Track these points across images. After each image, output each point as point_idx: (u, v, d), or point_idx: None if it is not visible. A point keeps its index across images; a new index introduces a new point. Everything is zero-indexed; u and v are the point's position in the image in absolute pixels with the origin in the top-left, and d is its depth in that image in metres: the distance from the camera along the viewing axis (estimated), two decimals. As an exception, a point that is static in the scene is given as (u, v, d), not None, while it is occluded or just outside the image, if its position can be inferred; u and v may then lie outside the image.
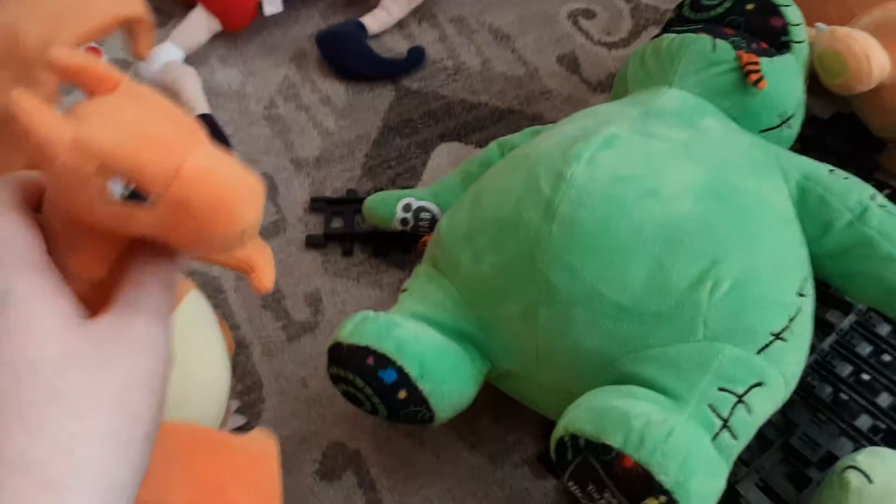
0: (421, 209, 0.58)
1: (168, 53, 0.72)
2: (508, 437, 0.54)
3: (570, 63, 0.77)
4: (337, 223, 0.64)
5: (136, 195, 0.27)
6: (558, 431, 0.39)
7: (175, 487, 0.35)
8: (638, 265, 0.41)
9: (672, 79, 0.54)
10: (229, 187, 0.28)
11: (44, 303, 0.26)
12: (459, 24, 0.82)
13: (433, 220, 0.58)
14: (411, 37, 0.81)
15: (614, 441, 0.36)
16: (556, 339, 0.43)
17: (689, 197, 0.43)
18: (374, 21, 0.80)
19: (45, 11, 0.37)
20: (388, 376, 0.43)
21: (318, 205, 0.65)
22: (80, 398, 0.25)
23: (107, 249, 0.29)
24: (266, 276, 0.44)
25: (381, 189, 0.64)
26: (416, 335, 0.44)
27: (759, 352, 0.41)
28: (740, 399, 0.39)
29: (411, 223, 0.58)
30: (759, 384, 0.40)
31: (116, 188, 0.27)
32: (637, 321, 0.41)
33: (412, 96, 0.76)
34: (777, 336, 0.41)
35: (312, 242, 0.63)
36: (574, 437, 0.38)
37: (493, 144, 0.61)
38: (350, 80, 0.77)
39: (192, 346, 0.39)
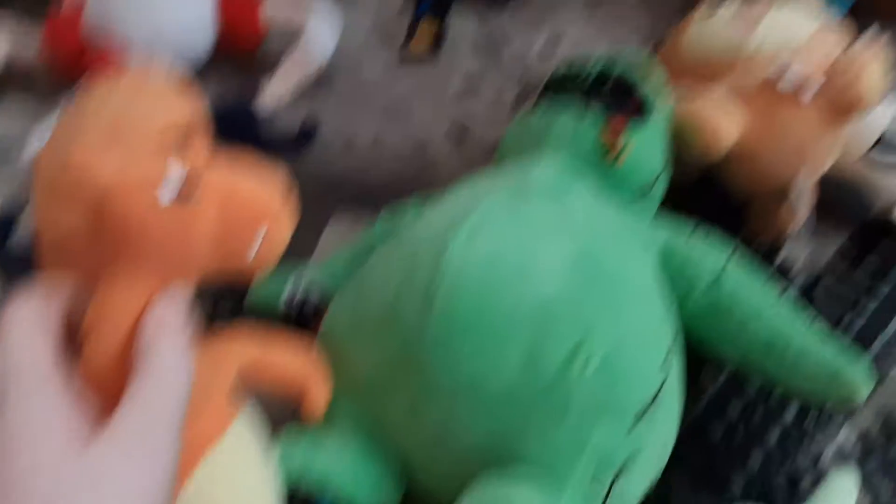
0: (308, 291, 0.58)
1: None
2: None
3: (461, 133, 0.80)
4: (222, 315, 0.62)
5: (187, 194, 0.32)
6: None
7: None
8: (513, 350, 0.42)
9: (543, 150, 0.56)
10: (251, 169, 0.34)
11: (43, 427, 0.27)
12: (352, 99, 0.84)
13: (322, 302, 0.58)
14: (304, 112, 0.82)
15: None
16: (442, 432, 0.43)
17: (558, 275, 0.45)
18: (265, 98, 0.81)
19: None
20: None
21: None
22: None
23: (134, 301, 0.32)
24: (319, 399, 0.45)
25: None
26: (338, 457, 0.44)
27: (632, 426, 0.42)
28: (616, 476, 0.40)
29: (298, 307, 0.58)
30: (632, 459, 0.41)
31: (169, 189, 0.31)
32: (517, 406, 0.42)
33: (304, 172, 0.76)
34: (647, 407, 0.42)
35: (199, 330, 0.61)
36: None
37: (380, 220, 0.61)
38: (240, 159, 0.77)
39: (232, 486, 0.38)
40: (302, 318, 0.58)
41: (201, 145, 0.47)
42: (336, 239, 0.70)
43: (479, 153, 0.78)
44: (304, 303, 0.57)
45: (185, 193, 0.32)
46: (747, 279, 0.49)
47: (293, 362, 0.46)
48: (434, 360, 0.43)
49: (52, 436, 0.26)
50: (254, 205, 0.33)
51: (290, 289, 0.57)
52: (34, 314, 0.30)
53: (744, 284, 0.48)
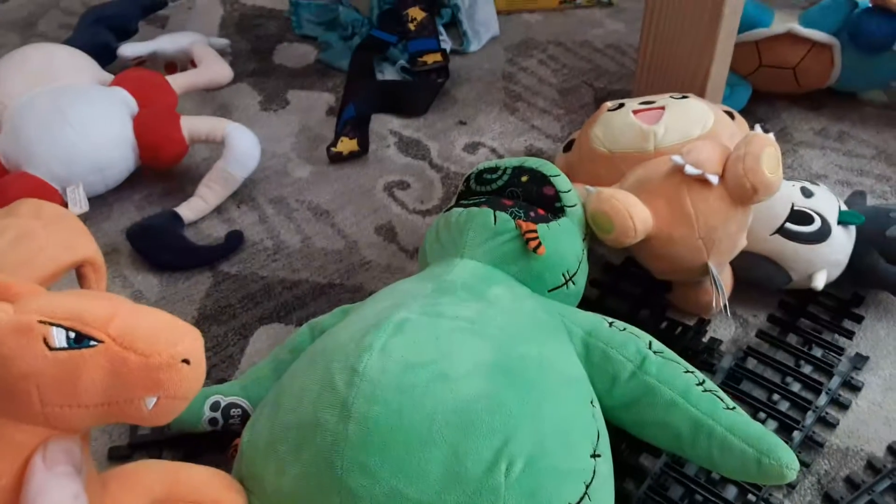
0: (231, 406, 0.56)
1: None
2: None
3: (388, 233, 0.80)
4: (144, 430, 0.59)
5: (79, 343, 0.30)
6: None
7: None
8: (433, 456, 0.41)
9: (463, 250, 0.57)
10: (163, 318, 0.33)
11: None
12: (279, 205, 0.84)
13: (245, 416, 0.56)
14: (230, 221, 0.82)
15: None
16: None
17: (478, 376, 0.44)
18: (189, 210, 0.80)
19: None
20: None
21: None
22: None
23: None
24: None
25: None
26: None
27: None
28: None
29: (221, 423, 0.55)
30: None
31: (60, 336, 0.30)
32: None
33: (230, 281, 0.75)
34: (580, 501, 0.41)
35: (116, 455, 0.58)
36: None
37: (304, 327, 0.60)
38: (164, 272, 0.75)
39: None
40: (225, 432, 0.55)
41: (99, 284, 0.46)
42: (263, 347, 0.68)
43: (411, 249, 0.78)
44: (226, 419, 0.55)
45: (77, 340, 0.30)
46: (670, 366, 0.49)
47: (209, 486, 0.44)
48: (353, 475, 0.41)
49: None
50: (148, 363, 0.31)
51: (211, 406, 0.55)
52: None
53: (667, 370, 0.48)
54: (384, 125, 0.95)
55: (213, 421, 0.55)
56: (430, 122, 0.96)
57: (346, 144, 0.89)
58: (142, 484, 0.41)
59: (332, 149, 0.89)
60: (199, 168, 0.87)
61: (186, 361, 0.32)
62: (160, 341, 0.31)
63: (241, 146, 0.79)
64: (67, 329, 0.30)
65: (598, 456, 0.44)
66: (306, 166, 0.90)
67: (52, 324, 0.30)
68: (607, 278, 0.71)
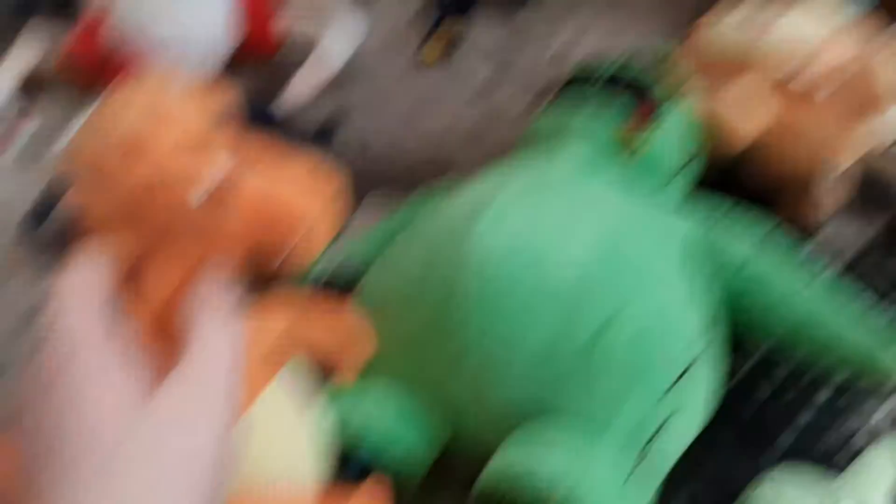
0: (338, 270, 0.58)
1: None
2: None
3: (480, 134, 0.80)
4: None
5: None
6: (477, 488, 0.41)
7: None
8: (543, 324, 0.43)
9: (568, 140, 0.56)
10: (300, 180, 0.34)
11: (104, 384, 0.27)
12: (372, 98, 0.84)
13: (349, 283, 0.58)
14: (324, 112, 0.83)
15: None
16: (473, 400, 0.45)
17: (586, 257, 0.46)
18: (282, 101, 0.82)
19: None
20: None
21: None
22: (133, 481, 0.26)
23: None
24: (359, 357, 0.46)
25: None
26: (376, 411, 0.45)
27: (670, 387, 0.42)
28: (655, 434, 0.41)
29: (327, 288, 0.58)
30: (671, 417, 0.42)
31: (194, 196, 0.31)
32: (550, 375, 0.43)
33: (331, 157, 0.76)
34: (686, 370, 0.43)
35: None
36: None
37: (411, 200, 0.62)
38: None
39: (265, 451, 0.39)
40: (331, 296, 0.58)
41: (239, 145, 0.47)
42: (372, 216, 0.69)
43: (497, 154, 0.78)
44: (333, 282, 0.57)
45: (216, 197, 0.31)
46: (776, 264, 0.49)
47: (333, 324, 0.46)
48: (460, 335, 0.44)
49: (113, 391, 0.27)
50: (287, 216, 0.33)
51: (319, 269, 0.57)
52: (86, 282, 0.30)
53: (773, 269, 0.49)
54: (478, 21, 0.93)
55: (318, 282, 0.57)
56: (524, 21, 0.93)
57: (436, 44, 0.89)
58: (272, 316, 0.43)
59: (421, 48, 0.89)
60: (297, 58, 0.87)
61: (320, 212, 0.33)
62: (298, 192, 0.33)
63: (335, 46, 0.81)
64: (208, 184, 0.32)
65: (707, 337, 0.45)
66: (396, 66, 0.89)
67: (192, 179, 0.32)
68: (713, 178, 0.69)
